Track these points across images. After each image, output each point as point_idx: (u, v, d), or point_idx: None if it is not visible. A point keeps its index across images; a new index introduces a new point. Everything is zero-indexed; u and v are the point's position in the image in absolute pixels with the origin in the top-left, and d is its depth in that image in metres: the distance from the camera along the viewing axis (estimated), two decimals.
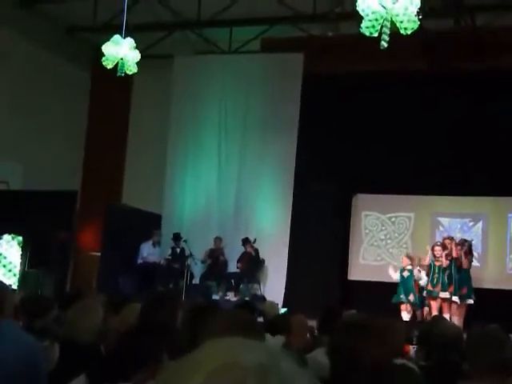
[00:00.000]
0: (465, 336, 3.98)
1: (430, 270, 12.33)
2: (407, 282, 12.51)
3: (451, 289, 12.11)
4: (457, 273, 12.24)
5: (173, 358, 3.22)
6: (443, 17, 12.48)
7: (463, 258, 12.36)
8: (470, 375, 3.25)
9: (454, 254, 12.25)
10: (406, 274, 12.59)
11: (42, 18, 14.83)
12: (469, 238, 13.25)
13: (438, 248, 12.36)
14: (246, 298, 12.50)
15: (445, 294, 12.08)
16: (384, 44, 8.05)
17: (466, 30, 12.64)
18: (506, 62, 12.70)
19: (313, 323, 6.32)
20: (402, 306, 12.44)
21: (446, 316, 11.05)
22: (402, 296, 12.43)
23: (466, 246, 12.56)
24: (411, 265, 12.69)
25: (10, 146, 14.26)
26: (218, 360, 0.86)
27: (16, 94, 14.61)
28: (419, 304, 12.53)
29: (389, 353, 2.48)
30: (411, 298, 12.42)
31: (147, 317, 3.82)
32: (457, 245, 12.45)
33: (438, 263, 12.26)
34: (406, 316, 12.31)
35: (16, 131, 14.50)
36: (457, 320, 11.48)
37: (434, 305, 12.13)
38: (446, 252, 12.24)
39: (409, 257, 13.00)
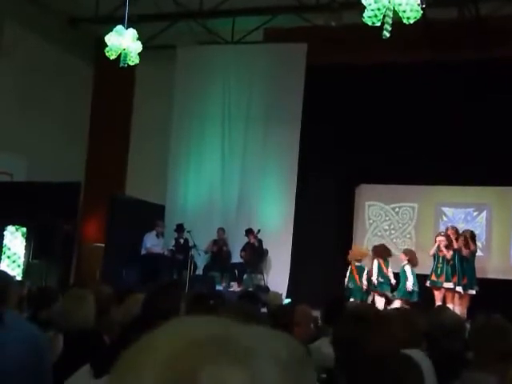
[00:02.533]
0: (468, 326, 3.98)
1: (434, 260, 12.33)
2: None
3: (455, 279, 12.11)
4: (460, 263, 12.24)
5: None
6: (447, 6, 12.43)
7: (463, 248, 12.34)
8: (474, 365, 3.25)
9: (455, 246, 12.24)
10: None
11: (44, 9, 14.81)
12: (471, 228, 13.23)
13: (441, 238, 12.35)
14: (250, 289, 12.51)
15: (448, 285, 12.08)
16: (386, 34, 8.04)
17: (470, 19, 12.58)
18: (510, 51, 12.64)
19: (317, 313, 6.33)
20: None
21: (450, 306, 11.04)
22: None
23: (468, 237, 12.51)
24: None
25: (13, 138, 14.27)
26: (171, 342, 0.81)
27: (19, 86, 14.61)
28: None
29: (393, 343, 2.48)
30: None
31: (150, 307, 3.83)
32: (458, 236, 12.43)
33: (441, 253, 12.26)
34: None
35: (20, 123, 14.51)
36: (460, 310, 11.48)
37: (438, 295, 12.13)
38: (446, 243, 12.22)
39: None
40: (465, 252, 12.30)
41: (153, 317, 3.19)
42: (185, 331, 0.83)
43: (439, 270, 12.18)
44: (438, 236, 12.52)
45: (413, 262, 12.31)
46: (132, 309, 4.14)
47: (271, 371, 0.82)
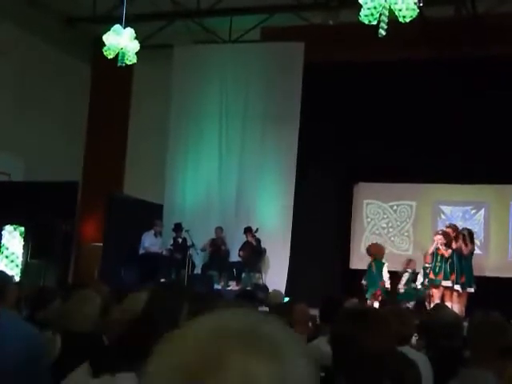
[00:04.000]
0: (466, 324, 3.98)
1: (433, 258, 12.33)
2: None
3: (453, 277, 12.11)
4: (458, 261, 12.24)
5: None
6: (443, 4, 12.43)
7: (463, 247, 12.34)
8: (471, 362, 3.26)
9: (454, 246, 12.23)
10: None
11: (42, 9, 14.78)
12: (469, 227, 13.23)
13: (439, 237, 12.34)
14: (248, 288, 12.51)
15: (447, 283, 12.07)
16: (382, 32, 8.04)
17: (467, 17, 12.58)
18: (507, 49, 12.64)
19: (315, 312, 6.33)
20: None
21: (448, 304, 11.04)
22: None
23: (466, 235, 12.51)
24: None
25: (11, 138, 14.25)
26: (199, 331, 0.85)
27: (17, 86, 14.60)
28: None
29: (391, 341, 2.48)
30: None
31: (153, 306, 3.82)
32: (457, 234, 12.43)
33: (440, 252, 12.26)
34: None
35: (17, 123, 14.50)
36: (458, 308, 11.48)
37: (436, 293, 12.14)
38: (444, 241, 12.21)
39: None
40: (464, 250, 12.30)
41: (155, 317, 3.19)
42: (214, 322, 0.87)
43: (438, 268, 12.17)
44: (436, 235, 12.51)
45: (376, 256, 12.46)
46: (131, 308, 4.13)
47: (301, 368, 0.84)
